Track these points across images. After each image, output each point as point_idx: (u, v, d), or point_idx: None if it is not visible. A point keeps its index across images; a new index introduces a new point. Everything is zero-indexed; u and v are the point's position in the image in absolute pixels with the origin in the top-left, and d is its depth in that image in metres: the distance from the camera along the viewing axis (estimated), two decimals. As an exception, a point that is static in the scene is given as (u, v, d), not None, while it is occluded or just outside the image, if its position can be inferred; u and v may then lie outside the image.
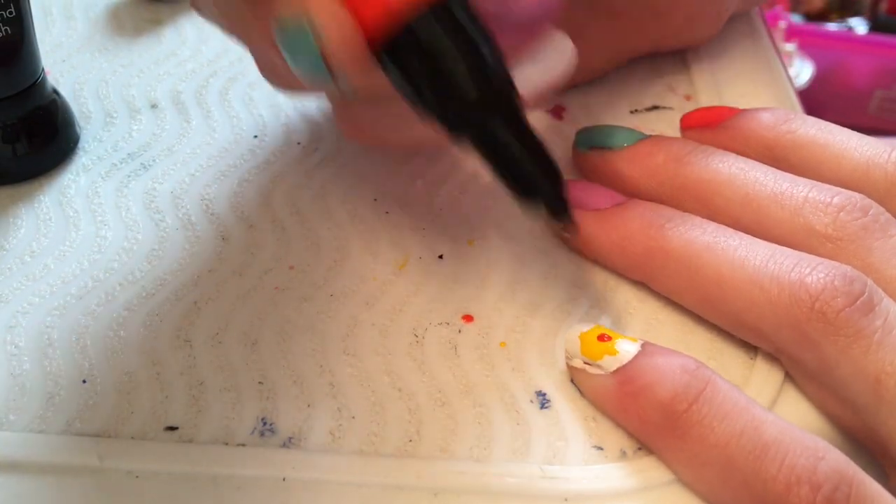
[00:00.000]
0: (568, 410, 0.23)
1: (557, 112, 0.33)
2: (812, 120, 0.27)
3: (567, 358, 0.24)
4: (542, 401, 0.23)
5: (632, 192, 0.27)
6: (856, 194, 0.24)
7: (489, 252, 0.27)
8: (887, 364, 0.21)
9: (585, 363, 0.23)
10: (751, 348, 0.24)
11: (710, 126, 0.29)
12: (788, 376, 0.24)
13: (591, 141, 0.29)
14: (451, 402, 0.23)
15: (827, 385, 0.22)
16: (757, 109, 0.28)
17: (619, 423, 0.23)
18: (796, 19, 1.39)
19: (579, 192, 0.27)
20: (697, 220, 0.25)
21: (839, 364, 0.22)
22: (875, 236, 0.23)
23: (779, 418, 0.21)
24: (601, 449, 0.22)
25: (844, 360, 0.21)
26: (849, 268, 0.22)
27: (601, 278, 0.26)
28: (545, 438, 0.22)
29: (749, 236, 0.24)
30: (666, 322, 0.25)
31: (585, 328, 0.24)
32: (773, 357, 0.24)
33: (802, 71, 1.25)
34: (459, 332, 0.25)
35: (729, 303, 0.23)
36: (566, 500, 0.21)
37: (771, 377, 0.23)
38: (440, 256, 0.27)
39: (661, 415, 0.21)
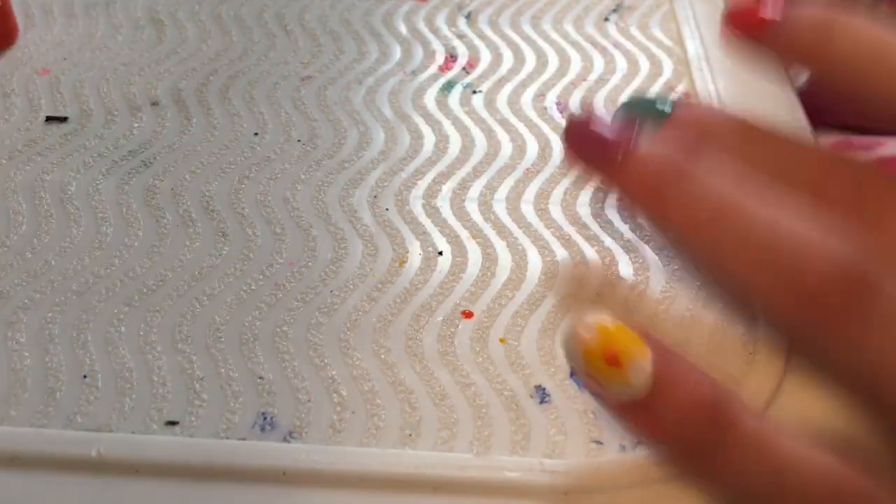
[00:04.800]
0: (567, 405, 0.23)
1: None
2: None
3: (570, 368, 0.21)
4: (542, 396, 0.23)
5: None
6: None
7: (489, 249, 0.27)
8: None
9: (592, 377, 0.19)
10: (750, 343, 0.24)
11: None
12: (787, 371, 0.24)
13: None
14: (451, 397, 0.23)
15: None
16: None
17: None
18: (796, 20, 1.38)
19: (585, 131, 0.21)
20: (704, 175, 0.19)
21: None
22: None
23: (800, 467, 0.19)
24: (601, 443, 0.22)
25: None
26: None
27: (601, 274, 0.27)
28: (545, 433, 0.22)
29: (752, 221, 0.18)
30: (665, 318, 0.25)
31: (587, 336, 0.19)
32: (773, 352, 0.24)
33: (802, 71, 1.25)
34: (459, 327, 0.25)
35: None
36: (566, 494, 0.21)
37: (770, 372, 0.23)
38: (440, 253, 0.27)
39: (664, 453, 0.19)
